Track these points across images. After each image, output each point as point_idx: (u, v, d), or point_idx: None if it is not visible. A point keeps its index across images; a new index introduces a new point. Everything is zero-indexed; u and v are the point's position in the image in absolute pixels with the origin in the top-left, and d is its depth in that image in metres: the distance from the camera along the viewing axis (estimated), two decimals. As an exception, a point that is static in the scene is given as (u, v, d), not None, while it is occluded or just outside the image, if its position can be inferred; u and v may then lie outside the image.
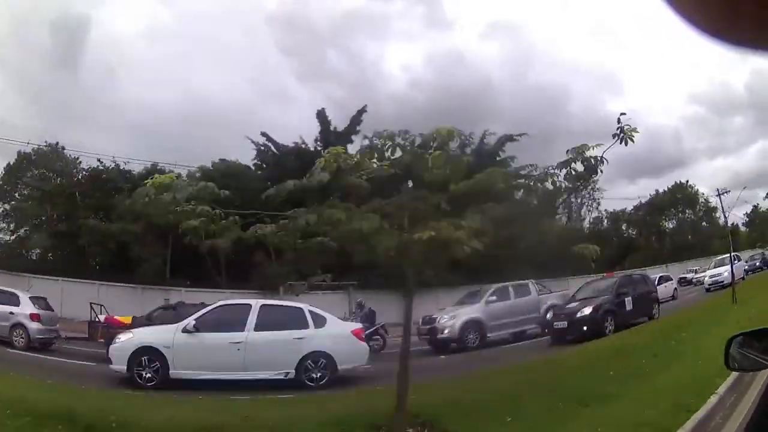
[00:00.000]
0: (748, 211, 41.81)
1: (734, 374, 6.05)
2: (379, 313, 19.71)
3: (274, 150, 28.55)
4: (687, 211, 40.01)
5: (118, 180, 27.65)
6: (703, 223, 41.23)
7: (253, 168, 29.15)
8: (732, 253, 25.20)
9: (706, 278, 26.57)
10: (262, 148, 28.32)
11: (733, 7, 0.76)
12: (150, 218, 25.27)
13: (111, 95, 36.56)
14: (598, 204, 36.53)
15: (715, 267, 27.04)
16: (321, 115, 27.41)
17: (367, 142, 26.71)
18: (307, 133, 27.69)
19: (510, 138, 30.99)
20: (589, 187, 36.12)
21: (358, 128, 28.31)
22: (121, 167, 28.13)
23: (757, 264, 32.43)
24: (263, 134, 27.85)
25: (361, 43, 52.57)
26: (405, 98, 39.47)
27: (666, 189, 39.71)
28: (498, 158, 31.05)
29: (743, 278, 25.43)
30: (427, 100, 43.52)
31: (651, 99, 56.30)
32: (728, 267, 23.86)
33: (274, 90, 46.13)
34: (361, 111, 28.19)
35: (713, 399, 6.14)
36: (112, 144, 46.08)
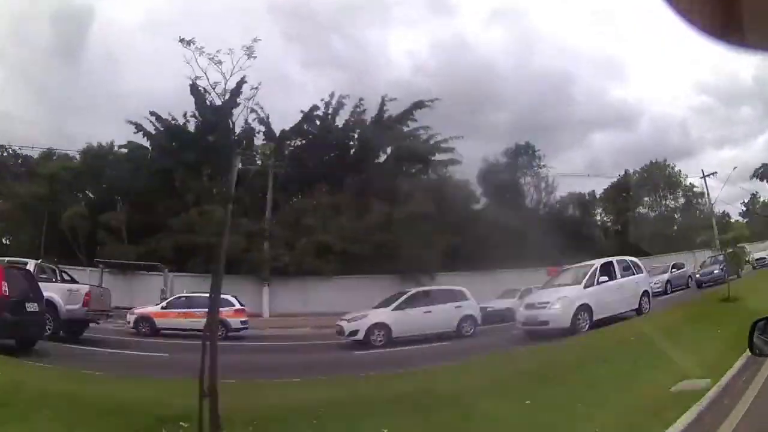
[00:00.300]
0: (746, 200, 35.12)
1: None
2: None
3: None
4: (668, 195, 33.87)
5: (13, 165, 28.03)
6: (698, 213, 34.86)
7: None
8: (616, 258, 15.42)
9: (521, 309, 14.93)
10: (148, 130, 26.94)
11: (729, 8, 0.80)
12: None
13: (114, 86, 37.15)
14: (546, 183, 31.54)
15: (552, 286, 15.17)
16: (194, 89, 25.65)
17: (254, 115, 24.04)
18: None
19: (420, 104, 27.51)
20: (534, 164, 31.39)
21: (238, 101, 26.34)
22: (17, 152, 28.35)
23: (716, 272, 22.00)
24: (152, 113, 26.60)
25: (365, 30, 51.87)
26: (409, 84, 38.10)
27: (638, 169, 33.86)
28: (407, 128, 27.90)
29: (633, 312, 14.42)
30: (431, 86, 41.94)
31: (657, 87, 52.61)
32: (575, 290, 13.42)
33: (277, 77, 45.69)
34: (241, 82, 26.07)
35: None
36: (115, 134, 47.55)
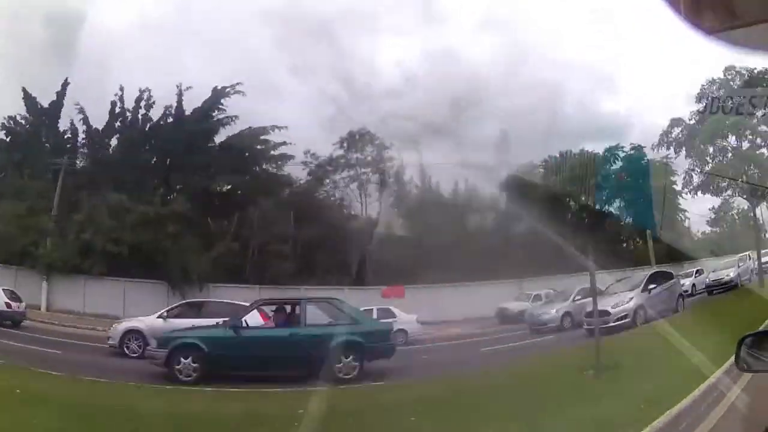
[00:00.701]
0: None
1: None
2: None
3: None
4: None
5: None
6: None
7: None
8: None
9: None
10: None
11: (729, 7, 0.81)
12: None
13: (105, 90, 41.85)
14: (397, 179, 25.39)
15: None
16: (24, 92, 26.90)
17: (81, 116, 24.63)
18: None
19: (223, 93, 25.15)
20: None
21: (63, 101, 26.95)
22: None
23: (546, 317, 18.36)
24: (9, 117, 28.44)
25: (355, 38, 51.60)
26: (400, 93, 37.41)
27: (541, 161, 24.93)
28: (212, 117, 25.23)
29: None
30: (421, 95, 40.84)
31: (648, 98, 47.74)
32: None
33: (266, 84, 47.57)
34: (65, 84, 26.54)
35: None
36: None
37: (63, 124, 27.48)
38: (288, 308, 12.67)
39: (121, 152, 25.48)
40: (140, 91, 25.52)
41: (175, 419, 8.33)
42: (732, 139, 23.38)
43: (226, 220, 24.21)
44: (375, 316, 18.36)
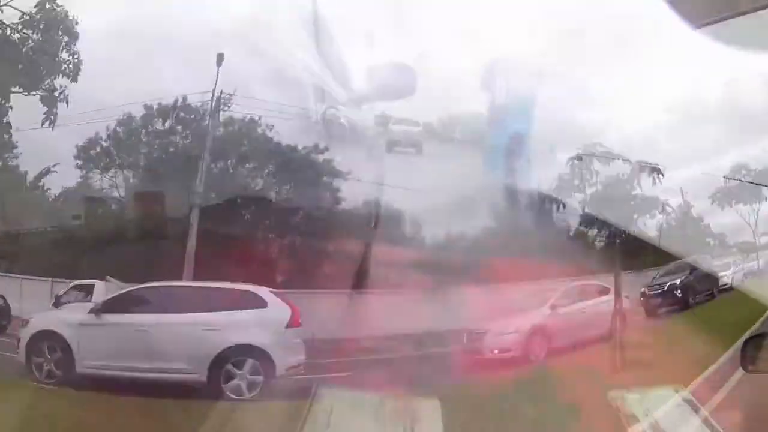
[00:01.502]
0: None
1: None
2: None
3: None
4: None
5: None
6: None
7: None
8: None
9: None
10: None
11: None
12: None
13: (79, 96, 41.86)
14: None
15: None
16: None
17: None
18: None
19: None
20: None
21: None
22: None
23: None
24: None
25: (330, 47, 51.83)
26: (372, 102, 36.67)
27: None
28: None
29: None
30: (394, 105, 40.19)
31: (623, 106, 45.59)
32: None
33: (242, 93, 47.60)
34: None
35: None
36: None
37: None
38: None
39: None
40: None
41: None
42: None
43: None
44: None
